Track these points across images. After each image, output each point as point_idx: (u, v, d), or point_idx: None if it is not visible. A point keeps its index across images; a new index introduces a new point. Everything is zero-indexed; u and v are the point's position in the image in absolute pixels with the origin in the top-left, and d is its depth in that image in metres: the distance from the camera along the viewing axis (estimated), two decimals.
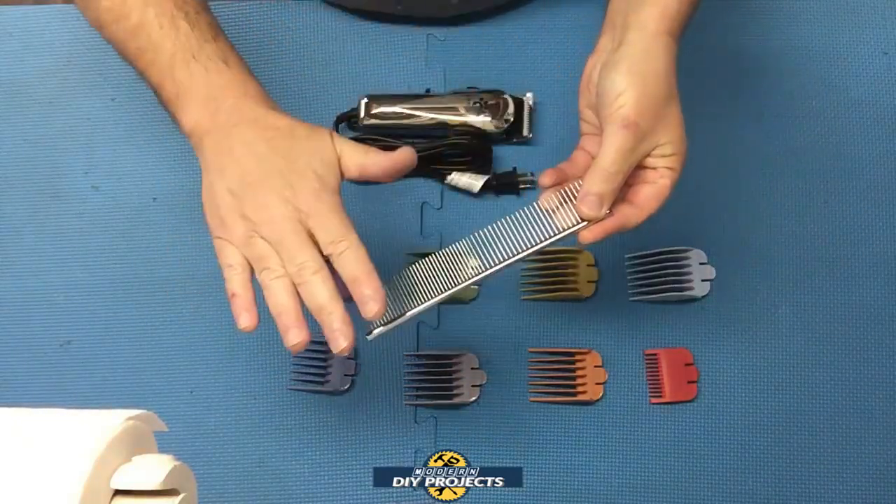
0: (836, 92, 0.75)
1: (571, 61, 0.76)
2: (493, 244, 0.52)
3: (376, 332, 0.54)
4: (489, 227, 0.53)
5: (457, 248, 0.54)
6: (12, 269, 0.74)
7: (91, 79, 0.78)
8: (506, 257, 0.52)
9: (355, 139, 0.73)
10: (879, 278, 0.71)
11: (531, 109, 0.74)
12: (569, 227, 0.52)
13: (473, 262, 0.53)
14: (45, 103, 0.77)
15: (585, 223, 0.51)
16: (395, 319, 0.53)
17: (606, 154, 0.50)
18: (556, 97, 0.75)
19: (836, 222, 0.72)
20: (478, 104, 0.72)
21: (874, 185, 0.73)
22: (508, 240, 0.52)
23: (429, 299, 0.53)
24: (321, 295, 0.48)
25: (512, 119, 0.72)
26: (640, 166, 0.52)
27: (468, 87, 0.73)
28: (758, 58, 0.76)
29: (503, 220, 0.53)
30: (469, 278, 0.53)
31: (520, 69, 0.76)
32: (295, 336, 0.49)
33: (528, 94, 0.74)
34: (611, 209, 0.51)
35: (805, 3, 0.78)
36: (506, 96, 0.72)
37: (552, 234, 0.52)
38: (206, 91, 0.52)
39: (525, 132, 0.73)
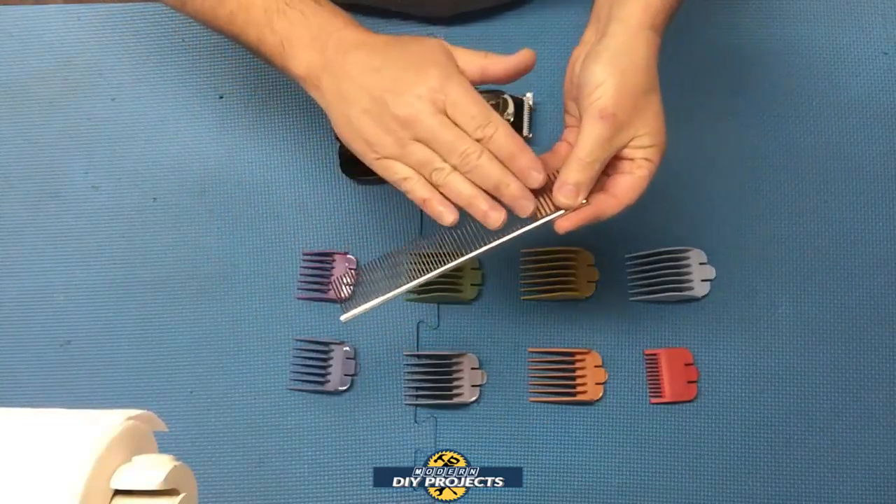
0: (836, 92, 0.75)
1: None
2: (472, 231, 0.53)
3: (349, 314, 0.55)
4: (466, 216, 0.53)
5: (436, 238, 0.54)
6: (12, 269, 0.74)
7: (91, 79, 0.78)
8: (482, 244, 0.53)
9: None
10: (879, 278, 0.71)
11: (531, 109, 0.74)
12: (545, 216, 0.53)
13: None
14: (45, 103, 0.77)
15: (562, 212, 0.52)
16: (364, 303, 0.55)
17: (584, 144, 0.50)
18: (556, 97, 0.75)
19: (835, 222, 0.72)
20: None
21: (874, 184, 0.73)
22: (486, 228, 0.53)
23: (400, 286, 0.55)
24: (494, 173, 0.49)
25: (512, 119, 0.72)
26: (618, 157, 0.52)
27: None
28: (758, 57, 0.76)
29: None
30: (447, 264, 0.54)
31: None
32: (496, 214, 0.50)
33: (528, 94, 0.74)
34: (588, 198, 0.52)
35: (805, 3, 0.78)
36: (506, 96, 0.72)
37: (529, 222, 0.52)
38: (309, 33, 0.53)
39: (525, 132, 0.73)
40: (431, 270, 0.54)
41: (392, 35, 0.54)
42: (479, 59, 0.52)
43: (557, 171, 0.52)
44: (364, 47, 0.52)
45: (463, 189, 0.50)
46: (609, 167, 0.53)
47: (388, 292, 0.55)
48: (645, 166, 0.52)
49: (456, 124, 0.49)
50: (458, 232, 0.53)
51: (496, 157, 0.50)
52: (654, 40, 0.52)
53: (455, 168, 0.50)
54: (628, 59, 0.51)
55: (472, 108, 0.49)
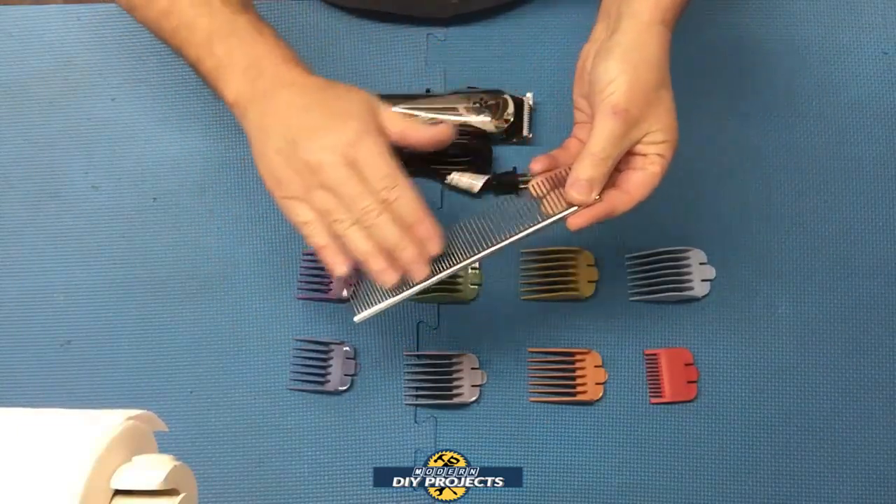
0: (836, 91, 0.75)
1: (571, 61, 0.75)
2: (484, 230, 0.53)
3: (362, 315, 0.54)
4: (481, 214, 0.53)
5: (447, 236, 0.54)
6: (12, 269, 0.74)
7: (91, 79, 0.78)
8: (494, 243, 0.53)
9: None
10: (879, 277, 0.71)
11: (531, 109, 0.74)
12: (558, 213, 0.52)
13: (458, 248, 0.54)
14: (45, 103, 0.77)
15: (574, 208, 0.52)
16: (379, 303, 0.54)
17: (597, 140, 0.50)
18: (556, 97, 0.75)
19: (835, 222, 0.72)
20: (478, 104, 0.72)
21: (874, 184, 0.73)
22: (499, 226, 0.53)
23: (415, 286, 0.54)
24: (391, 235, 0.50)
25: (512, 119, 0.72)
26: (630, 153, 0.52)
27: (468, 87, 0.73)
28: (758, 57, 0.76)
29: (492, 207, 0.53)
30: (462, 262, 0.53)
31: (520, 69, 0.76)
32: (388, 276, 0.51)
33: (528, 94, 0.74)
34: (600, 195, 0.52)
35: (805, 3, 0.78)
36: (506, 96, 0.72)
37: (541, 220, 0.52)
38: (246, 62, 0.54)
39: (525, 132, 0.73)
40: (446, 269, 0.53)
41: (328, 80, 0.54)
42: (401, 123, 0.53)
43: (569, 167, 0.52)
44: (295, 87, 0.53)
45: (360, 245, 0.51)
46: (621, 163, 0.52)
47: (403, 291, 0.54)
48: (657, 162, 0.52)
49: (366, 180, 0.50)
50: (470, 230, 0.53)
51: (397, 220, 0.50)
52: (666, 35, 0.52)
53: (356, 222, 0.50)
54: (640, 55, 0.51)
55: (382, 169, 0.50)
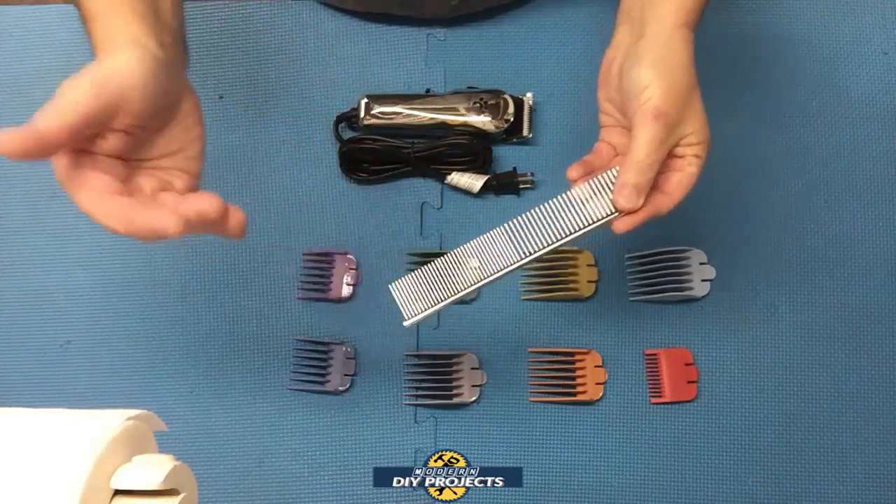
0: (836, 92, 0.75)
1: (571, 61, 0.76)
2: (528, 233, 0.53)
3: (412, 320, 0.54)
4: (523, 217, 0.53)
5: (490, 238, 0.53)
6: (12, 269, 0.74)
7: None
8: (542, 245, 0.52)
9: (355, 139, 0.73)
10: (879, 278, 0.71)
11: (531, 109, 0.74)
12: (603, 218, 0.52)
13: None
14: (45, 103, 0.77)
15: (618, 213, 0.52)
16: (433, 306, 0.54)
17: (640, 146, 0.50)
18: (556, 97, 0.75)
19: (836, 222, 0.72)
20: (478, 104, 0.72)
21: (874, 184, 0.73)
22: (543, 229, 0.52)
23: (465, 288, 0.54)
24: None
25: (512, 119, 0.72)
26: (669, 155, 0.53)
27: (468, 87, 0.73)
28: (757, 57, 0.76)
29: (535, 209, 0.53)
30: (509, 266, 0.53)
31: (520, 69, 0.76)
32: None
33: (528, 94, 0.74)
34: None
35: (805, 2, 0.78)
36: (506, 96, 0.72)
37: (586, 224, 0.52)
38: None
39: (525, 132, 0.73)
40: (498, 271, 0.53)
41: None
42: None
43: (609, 171, 0.52)
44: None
45: None
46: (660, 165, 0.53)
47: (456, 294, 0.53)
48: (694, 163, 0.53)
49: None
50: (515, 232, 0.53)
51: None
52: (691, 38, 0.53)
53: None
54: (671, 59, 0.51)
55: None
